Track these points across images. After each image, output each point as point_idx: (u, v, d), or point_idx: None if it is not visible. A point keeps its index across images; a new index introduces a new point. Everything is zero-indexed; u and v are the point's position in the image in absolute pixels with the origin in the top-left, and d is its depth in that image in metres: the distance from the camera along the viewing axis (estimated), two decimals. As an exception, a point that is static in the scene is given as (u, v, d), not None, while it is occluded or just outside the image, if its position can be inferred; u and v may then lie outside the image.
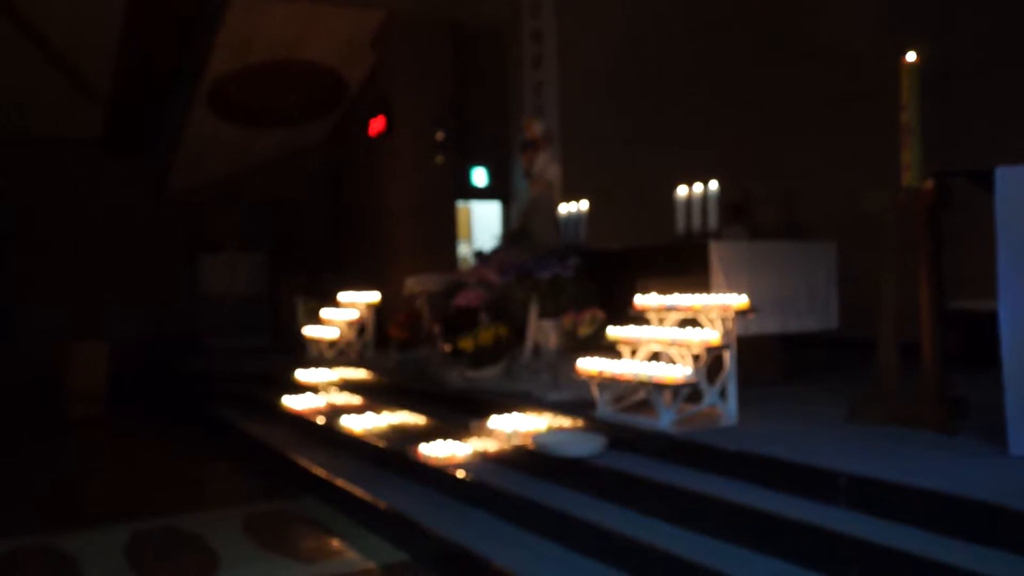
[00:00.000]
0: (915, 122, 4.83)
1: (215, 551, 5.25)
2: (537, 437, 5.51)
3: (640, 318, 5.88)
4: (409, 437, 6.59)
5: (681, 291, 5.71)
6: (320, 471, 6.50)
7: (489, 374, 7.30)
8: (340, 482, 6.15)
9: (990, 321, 4.25)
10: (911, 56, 4.89)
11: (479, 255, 9.26)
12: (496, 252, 8.53)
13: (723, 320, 5.31)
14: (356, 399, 8.18)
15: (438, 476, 5.72)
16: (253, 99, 13.42)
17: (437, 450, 5.88)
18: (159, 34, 12.45)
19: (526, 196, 9.30)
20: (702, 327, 5.39)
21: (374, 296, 10.39)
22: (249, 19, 12.18)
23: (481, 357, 7.37)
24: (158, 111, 13.65)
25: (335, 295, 10.92)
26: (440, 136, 12.88)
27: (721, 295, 5.55)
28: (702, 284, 6.19)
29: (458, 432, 6.28)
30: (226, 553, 5.21)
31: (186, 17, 12.42)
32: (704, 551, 4.02)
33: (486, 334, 7.31)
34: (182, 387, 11.10)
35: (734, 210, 9.72)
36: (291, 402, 8.51)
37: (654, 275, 6.72)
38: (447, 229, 13.40)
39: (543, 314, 7.38)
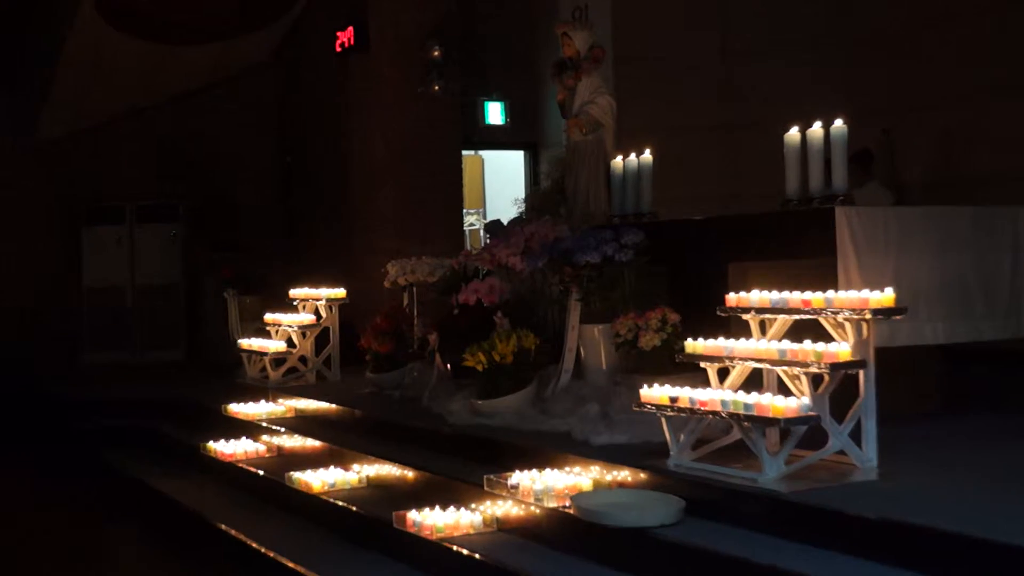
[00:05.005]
0: None
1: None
2: (581, 499, 5.50)
3: (733, 322, 5.85)
4: (393, 498, 6.59)
5: (793, 282, 5.66)
6: (262, 547, 6.52)
7: (510, 405, 7.30)
8: (291, 563, 6.16)
9: None
10: None
11: (494, 229, 9.26)
12: (519, 224, 8.52)
13: (857, 325, 5.27)
14: (315, 442, 8.22)
15: (435, 555, 5.73)
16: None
17: (434, 518, 5.88)
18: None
19: (563, 142, 9.28)
20: (826, 336, 5.35)
21: (339, 290, 10.43)
22: None
23: (498, 380, 7.36)
24: (24, 19, 13.70)
25: (284, 288, 10.95)
26: (437, 53, 12.88)
27: (854, 288, 5.49)
28: (824, 271, 6.15)
29: (464, 491, 6.28)
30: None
31: None
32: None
33: (505, 346, 7.31)
34: (60, 423, 11.18)
35: (870, 160, 9.67)
36: (220, 447, 8.54)
37: (753, 258, 6.68)
38: (448, 191, 13.42)
39: (589, 317, 7.36)
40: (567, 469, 6.07)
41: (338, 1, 13.55)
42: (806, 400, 5.16)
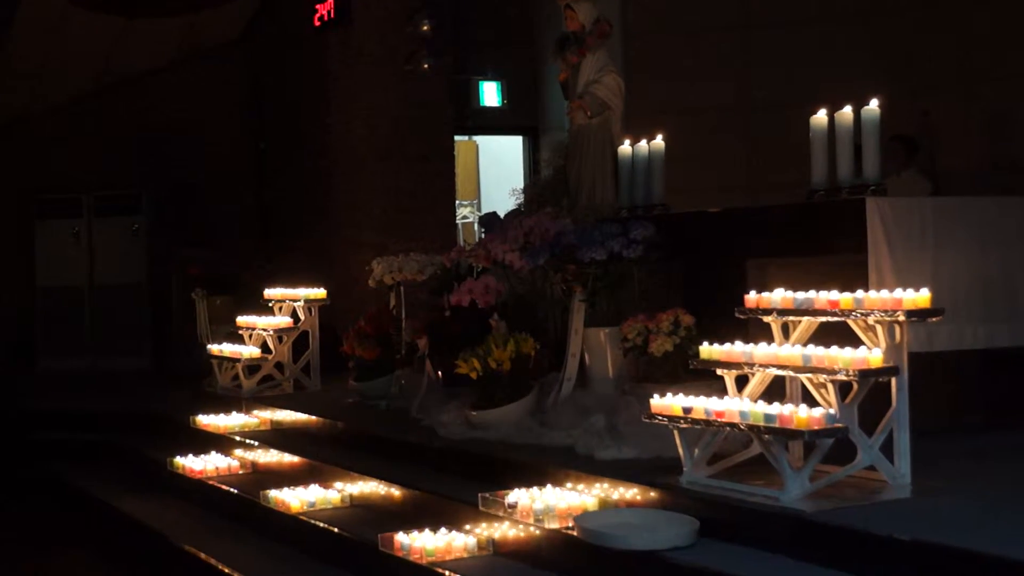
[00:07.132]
0: None
1: None
2: (585, 519, 5.52)
3: (752, 325, 5.88)
4: (378, 519, 6.61)
5: (820, 281, 5.68)
6: (235, 572, 6.53)
7: (507, 416, 7.31)
8: (267, 591, 6.22)
9: None
10: None
11: (490, 222, 9.28)
12: (518, 218, 8.54)
13: (890, 328, 5.29)
14: (293, 457, 8.23)
15: (425, 582, 5.74)
16: (124, -29, 13.47)
17: (424, 540, 5.90)
18: None
19: (566, 126, 9.30)
20: (855, 340, 5.37)
21: (319, 290, 10.43)
22: None
23: (494, 389, 7.39)
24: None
25: (258, 288, 10.96)
26: (427, 28, 12.89)
27: (886, 287, 5.51)
28: (854, 268, 6.16)
29: (457, 511, 6.30)
30: None
31: None
32: None
33: (501, 352, 7.32)
34: (11, 435, 11.18)
35: (906, 147, 9.69)
36: (189, 463, 8.55)
37: (776, 255, 6.70)
38: (439, 180, 13.43)
39: (594, 319, 7.38)
40: (570, 487, 6.08)
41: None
42: (833, 411, 5.16)
